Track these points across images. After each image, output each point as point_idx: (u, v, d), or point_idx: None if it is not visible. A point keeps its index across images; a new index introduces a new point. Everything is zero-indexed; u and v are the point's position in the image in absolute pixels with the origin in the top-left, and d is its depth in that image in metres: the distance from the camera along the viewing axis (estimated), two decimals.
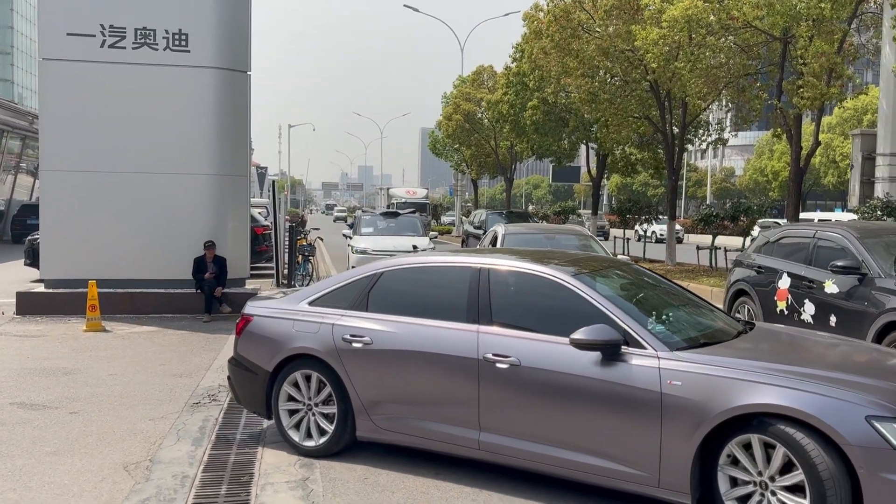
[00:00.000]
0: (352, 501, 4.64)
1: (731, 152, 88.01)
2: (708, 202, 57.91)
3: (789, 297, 8.64)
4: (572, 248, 10.70)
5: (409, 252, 15.06)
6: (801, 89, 15.11)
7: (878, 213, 14.14)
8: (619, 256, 11.36)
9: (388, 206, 34.39)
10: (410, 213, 20.41)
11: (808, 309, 8.28)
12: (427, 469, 5.22)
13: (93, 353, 8.87)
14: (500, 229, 11.12)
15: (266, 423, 6.22)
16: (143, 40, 11.67)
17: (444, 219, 55.47)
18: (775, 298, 8.93)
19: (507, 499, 4.72)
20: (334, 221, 68.42)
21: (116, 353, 8.91)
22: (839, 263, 7.80)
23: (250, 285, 12.96)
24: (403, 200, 37.37)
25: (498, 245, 10.39)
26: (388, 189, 44.48)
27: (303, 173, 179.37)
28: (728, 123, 27.86)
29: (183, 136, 11.88)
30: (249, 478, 5.00)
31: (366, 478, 5.04)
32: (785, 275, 8.82)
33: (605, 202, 73.86)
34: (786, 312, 8.70)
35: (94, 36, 11.54)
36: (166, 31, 11.72)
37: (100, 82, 11.61)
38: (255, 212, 17.53)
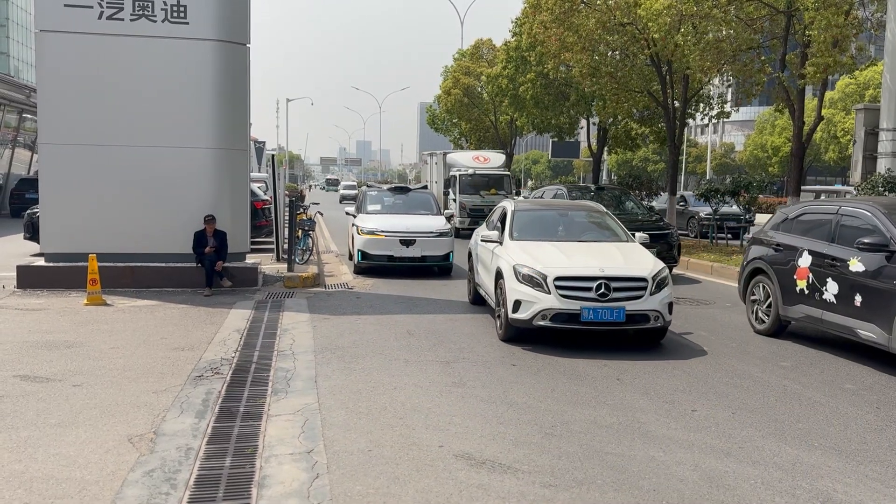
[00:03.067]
0: (355, 473, 4.66)
1: (731, 128, 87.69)
2: (708, 177, 57.73)
3: (810, 275, 8.42)
4: (588, 225, 10.12)
5: (425, 234, 14.28)
6: (809, 60, 14.95)
7: (880, 188, 14.08)
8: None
9: (448, 180, 24.89)
10: (421, 188, 18.12)
11: (831, 288, 8.09)
12: (431, 440, 5.25)
13: (94, 327, 8.87)
14: (508, 206, 10.39)
15: (270, 395, 6.25)
16: (140, 12, 11.54)
17: None
18: (795, 277, 8.69)
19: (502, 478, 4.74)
20: (341, 202, 48.81)
21: (118, 327, 8.91)
22: (866, 240, 7.61)
23: (250, 260, 12.94)
24: (470, 172, 23.91)
25: (507, 223, 9.71)
26: (443, 154, 27.51)
27: (301, 148, 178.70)
28: (729, 98, 27.69)
29: (182, 109, 11.80)
30: (254, 450, 5.02)
31: (369, 450, 5.06)
32: (805, 252, 8.58)
33: (605, 178, 73.69)
34: (806, 292, 8.50)
35: (91, 7, 11.41)
36: (164, 3, 11.58)
37: (98, 55, 11.50)
38: (254, 186, 17.45)
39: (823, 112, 23.42)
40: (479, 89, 41.06)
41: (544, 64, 26.82)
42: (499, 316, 8.77)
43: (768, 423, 5.86)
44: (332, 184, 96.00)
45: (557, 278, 8.07)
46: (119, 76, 11.58)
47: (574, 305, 7.95)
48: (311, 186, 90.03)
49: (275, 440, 5.21)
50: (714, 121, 28.04)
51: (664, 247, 13.90)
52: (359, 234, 14.39)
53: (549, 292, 8.04)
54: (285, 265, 13.70)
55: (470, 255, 11.32)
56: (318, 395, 6.32)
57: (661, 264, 8.59)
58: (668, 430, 5.63)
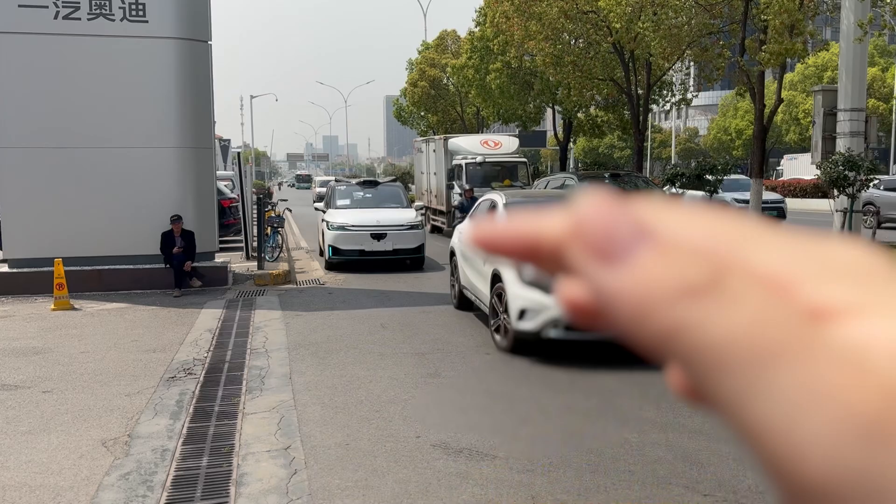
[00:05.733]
0: (333, 467, 4.67)
1: (694, 112, 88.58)
2: (673, 162, 58.37)
3: None
4: None
5: (395, 227, 14.26)
6: (765, 46, 15.22)
7: (840, 167, 14.36)
8: None
9: (451, 170, 20.71)
10: (391, 181, 17.55)
11: None
12: (408, 431, 5.27)
13: (63, 332, 8.75)
14: (497, 198, 9.58)
15: (244, 393, 6.22)
16: (98, 11, 11.36)
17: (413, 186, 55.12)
18: None
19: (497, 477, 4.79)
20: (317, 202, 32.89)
21: (87, 331, 8.80)
22: None
23: (220, 259, 12.83)
24: (479, 160, 19.98)
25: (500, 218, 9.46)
26: (444, 140, 22.33)
27: (267, 145, 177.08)
28: (691, 84, 28.03)
29: (145, 109, 11.66)
30: (230, 449, 5.00)
31: (347, 444, 5.08)
32: None
33: (571, 165, 74.16)
34: None
35: (46, 7, 11.20)
36: (122, 1, 11.40)
37: (56, 55, 11.31)
38: (220, 184, 17.28)
39: (784, 94, 23.81)
40: (446, 81, 41.04)
41: (508, 53, 26.89)
42: (498, 325, 7.83)
43: None
44: (304, 180, 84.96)
45: None
46: (79, 77, 11.39)
47: None
48: (280, 184, 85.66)
49: (251, 438, 5.20)
50: (677, 107, 28.35)
51: None
52: (329, 229, 14.29)
53: None
54: (255, 263, 13.62)
55: (452, 254, 10.45)
56: (293, 391, 6.31)
57: None
58: (642, 411, 5.72)
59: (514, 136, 24.57)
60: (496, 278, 7.91)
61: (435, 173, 22.72)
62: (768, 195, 21.93)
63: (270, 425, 5.46)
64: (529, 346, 7.39)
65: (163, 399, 6.11)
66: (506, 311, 7.52)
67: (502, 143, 21.61)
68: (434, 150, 22.97)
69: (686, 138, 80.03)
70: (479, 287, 8.69)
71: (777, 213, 22.25)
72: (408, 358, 7.44)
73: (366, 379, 6.68)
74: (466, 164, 19.82)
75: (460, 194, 19.16)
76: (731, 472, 4.53)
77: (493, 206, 9.47)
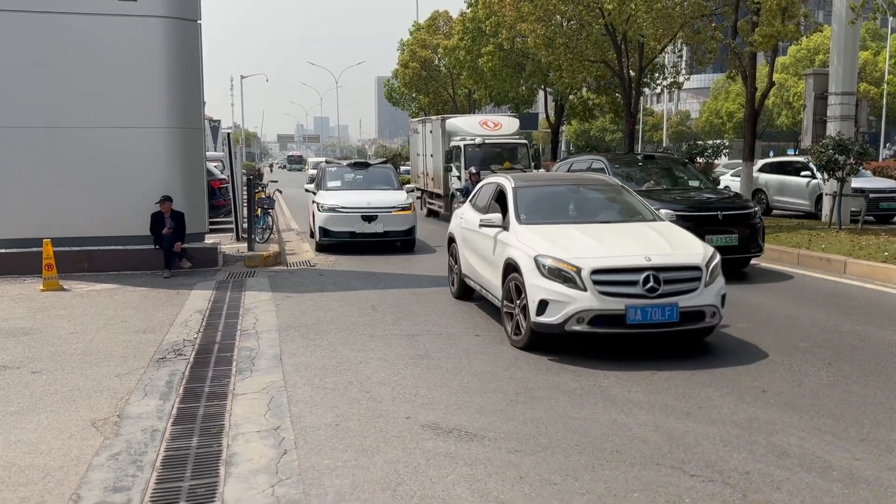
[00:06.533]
0: (323, 447, 4.69)
1: (686, 95, 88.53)
2: (664, 145, 58.35)
3: None
4: (604, 202, 8.51)
5: (386, 209, 14.15)
6: (757, 28, 15.20)
7: (830, 151, 14.40)
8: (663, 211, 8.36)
9: (449, 152, 20.02)
10: (381, 163, 17.41)
11: None
12: (398, 412, 5.30)
13: (52, 313, 8.73)
14: (505, 182, 8.60)
15: (234, 374, 6.23)
16: None
17: (404, 168, 54.89)
18: None
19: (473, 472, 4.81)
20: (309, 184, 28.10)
21: (76, 312, 8.77)
22: None
23: (209, 240, 12.79)
24: (478, 141, 19.06)
25: (510, 204, 8.06)
26: (441, 120, 21.39)
27: (257, 126, 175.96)
28: (683, 66, 27.99)
29: (134, 88, 11.56)
30: (220, 429, 5.01)
31: (336, 424, 5.09)
32: None
33: (563, 148, 74.06)
34: None
35: None
36: None
37: (43, 34, 11.17)
38: (210, 165, 17.19)
39: (775, 77, 23.79)
40: (437, 62, 40.84)
41: (500, 34, 26.76)
42: (513, 318, 7.25)
43: (726, 383, 6.02)
44: (296, 161, 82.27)
45: (595, 271, 6.53)
46: (66, 56, 11.28)
47: (617, 305, 6.45)
48: (271, 165, 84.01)
49: (241, 419, 5.21)
50: (669, 90, 28.33)
51: (746, 232, 10.96)
52: (319, 210, 14.29)
53: (585, 289, 6.50)
54: (245, 245, 13.58)
55: (451, 241, 9.83)
56: (283, 372, 6.32)
57: (710, 248, 7.17)
58: (629, 393, 5.76)
59: (514, 116, 23.66)
60: (510, 268, 7.30)
61: (432, 155, 22.07)
62: (881, 182, 18.59)
63: (260, 406, 5.47)
64: (549, 342, 6.92)
65: (153, 380, 6.11)
66: (522, 303, 6.96)
67: (502, 124, 20.89)
68: (431, 131, 22.21)
69: (678, 121, 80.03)
70: (487, 276, 8.16)
71: None
72: (398, 339, 7.46)
73: (356, 360, 6.69)
74: (465, 145, 19.13)
75: (459, 177, 18.67)
76: (717, 454, 4.57)
77: (500, 191, 8.72)
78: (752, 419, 5.18)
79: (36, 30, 11.16)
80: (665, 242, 7.12)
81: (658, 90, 28.80)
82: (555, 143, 32.88)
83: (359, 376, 6.20)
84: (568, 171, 13.52)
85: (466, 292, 9.32)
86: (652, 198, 10.47)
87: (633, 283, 6.49)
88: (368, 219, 14.05)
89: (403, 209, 14.36)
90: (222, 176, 18.51)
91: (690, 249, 7.02)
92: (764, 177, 20.01)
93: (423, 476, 4.26)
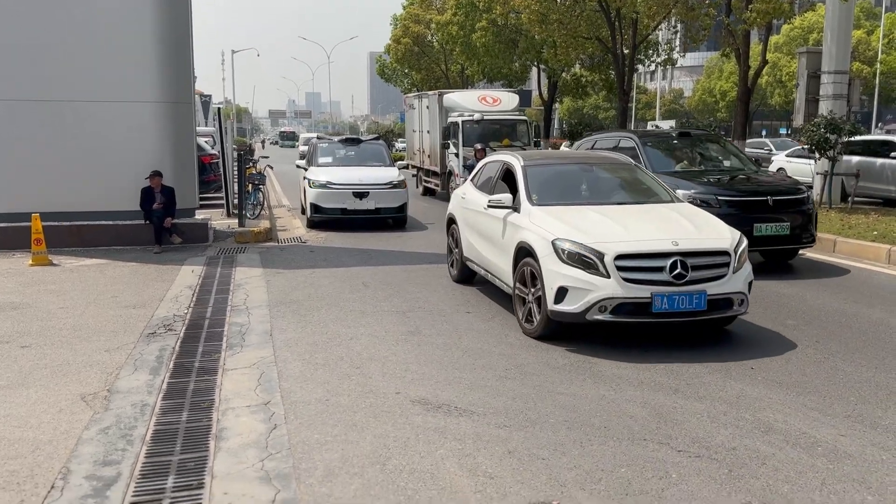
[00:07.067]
0: (313, 422, 4.70)
1: (679, 74, 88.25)
2: (657, 123, 58.23)
3: None
4: (619, 182, 8.12)
5: (378, 186, 14.09)
6: (752, 4, 15.13)
7: (822, 130, 14.40)
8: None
9: (446, 128, 19.32)
10: (373, 139, 17.21)
11: None
12: (388, 387, 5.32)
13: (41, 287, 8.69)
14: (513, 160, 8.12)
15: (225, 349, 6.23)
16: None
17: (398, 145, 54.64)
18: None
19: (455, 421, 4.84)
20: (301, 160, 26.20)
21: (66, 287, 8.74)
22: None
23: (200, 215, 12.74)
24: (476, 118, 18.37)
25: (520, 183, 7.61)
26: (438, 95, 20.80)
27: (248, 101, 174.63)
28: (677, 43, 27.87)
29: (122, 61, 11.44)
30: (210, 404, 5.02)
31: (327, 399, 5.11)
32: None
33: (555, 126, 73.87)
34: None
35: None
36: None
37: (29, 5, 11.02)
38: (201, 141, 17.08)
39: (769, 56, 23.74)
40: (430, 37, 40.55)
41: (494, 10, 26.57)
42: (525, 305, 6.88)
43: (714, 360, 6.06)
44: (289, 137, 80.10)
45: (619, 256, 6.17)
46: (54, 28, 11.13)
47: (643, 292, 6.10)
48: (263, 141, 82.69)
49: (231, 393, 5.21)
50: (662, 67, 28.24)
51: (798, 219, 9.81)
52: (311, 187, 14.24)
53: (608, 276, 6.13)
54: (236, 220, 13.53)
55: (451, 222, 9.39)
56: (273, 348, 6.33)
57: (737, 232, 6.81)
58: (618, 369, 5.79)
59: (514, 92, 22.94)
60: (523, 252, 6.91)
61: (428, 131, 21.46)
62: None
63: (251, 381, 5.48)
64: (566, 331, 6.57)
65: (143, 355, 6.11)
66: (537, 290, 6.61)
67: (501, 100, 20.30)
68: (427, 107, 21.60)
69: (671, 99, 79.85)
70: (494, 260, 7.76)
71: None
72: (389, 316, 7.46)
73: (346, 336, 6.70)
74: (463, 121, 18.45)
75: (457, 154, 18.07)
76: (704, 430, 4.61)
77: (506, 170, 8.26)
78: (740, 396, 5.22)
79: (22, 1, 11.00)
80: (690, 225, 6.74)
81: (652, 68, 28.71)
82: (548, 121, 32.81)
83: (349, 352, 6.21)
84: (591, 148, 12.12)
85: (467, 276, 8.95)
86: (689, 179, 9.91)
87: (659, 270, 6.15)
88: (360, 195, 14.00)
89: (395, 186, 14.30)
90: (213, 151, 18.38)
91: (718, 233, 6.67)
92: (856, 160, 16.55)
93: (413, 451, 4.29)
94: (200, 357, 6.07)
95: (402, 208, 14.38)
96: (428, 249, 11.73)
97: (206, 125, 46.86)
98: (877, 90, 50.14)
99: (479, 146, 15.72)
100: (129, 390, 5.27)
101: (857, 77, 21.55)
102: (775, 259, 10.32)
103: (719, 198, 9.19)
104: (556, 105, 37.80)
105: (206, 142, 19.36)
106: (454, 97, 20.42)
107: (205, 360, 6.00)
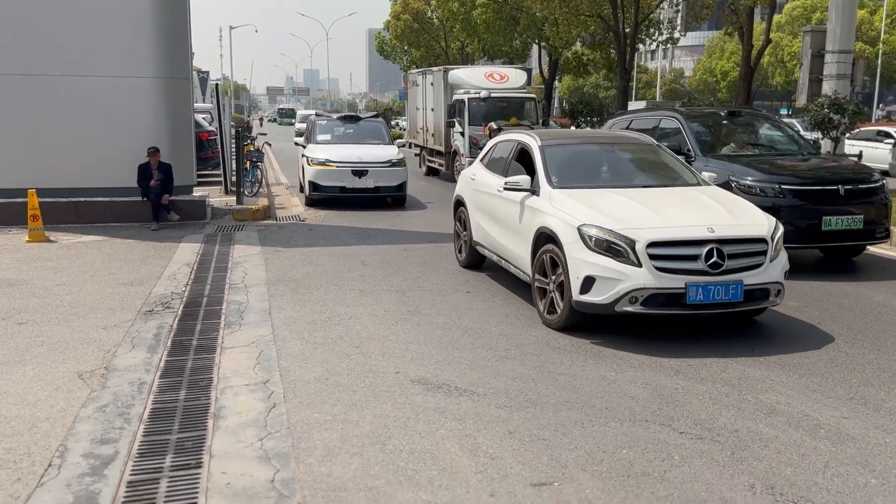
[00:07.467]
0: (312, 401, 4.67)
1: (680, 53, 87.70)
2: (657, 103, 57.94)
3: None
4: (641, 163, 7.68)
5: (377, 164, 13.97)
6: None
7: (825, 110, 14.31)
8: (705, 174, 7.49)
9: (451, 106, 18.63)
10: (372, 117, 16.92)
11: None
12: (388, 367, 5.28)
13: (38, 264, 8.63)
14: (529, 140, 7.65)
15: (223, 327, 6.18)
16: None
17: (402, 123, 54.25)
18: None
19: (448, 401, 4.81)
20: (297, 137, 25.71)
21: (63, 264, 8.68)
22: None
23: (198, 193, 12.65)
24: (483, 95, 17.87)
25: (538, 165, 7.17)
26: (443, 71, 20.18)
27: (246, 78, 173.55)
28: (679, 22, 27.64)
29: (120, 36, 11.30)
30: (208, 382, 4.98)
31: (326, 378, 5.07)
32: None
33: (556, 105, 73.56)
34: None
35: None
36: None
37: None
38: (198, 117, 16.94)
39: (771, 35, 23.53)
40: (430, 14, 40.19)
41: None
42: (546, 295, 6.47)
43: (716, 341, 6.03)
44: (287, 115, 78.46)
45: (652, 244, 5.79)
46: (50, 3, 10.97)
47: (677, 283, 5.74)
48: (261, 119, 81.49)
49: (230, 372, 5.17)
50: (664, 46, 28.03)
51: (872, 211, 8.64)
52: (309, 164, 14.14)
53: (640, 264, 5.76)
54: (234, 198, 13.44)
55: (459, 204, 8.96)
56: (272, 326, 6.28)
57: (772, 217, 6.43)
58: (619, 350, 5.75)
59: (522, 69, 22.30)
60: (545, 238, 6.52)
61: (432, 109, 20.74)
62: None
63: (249, 359, 5.44)
64: (590, 323, 6.23)
65: (140, 332, 6.06)
66: (559, 278, 6.23)
67: (509, 77, 19.62)
68: (432, 84, 20.89)
69: (671, 79, 79.38)
70: (509, 246, 7.35)
71: None
72: (388, 295, 7.42)
73: (345, 315, 6.65)
74: (469, 99, 17.92)
75: (462, 133, 17.60)
76: (706, 412, 4.58)
77: (521, 150, 7.85)
78: (742, 377, 5.19)
79: None
80: (724, 211, 6.35)
81: (653, 47, 28.48)
82: (548, 100, 32.59)
83: (349, 331, 6.17)
84: (627, 127, 11.02)
85: (477, 262, 8.60)
86: (746, 165, 8.84)
87: (694, 258, 5.78)
88: (359, 173, 13.90)
89: (395, 164, 14.19)
90: (211, 128, 18.25)
91: (754, 219, 6.29)
92: None
93: (413, 430, 4.25)
94: (198, 335, 6.02)
95: (402, 187, 14.29)
96: (427, 229, 11.66)
97: (204, 102, 46.47)
98: (879, 71, 49.85)
99: (494, 125, 15.23)
100: (127, 368, 5.22)
101: (860, 57, 21.40)
102: (839, 257, 9.23)
103: (783, 186, 8.17)
104: (556, 84, 37.53)
105: (203, 118, 19.20)
106: (460, 73, 19.81)
107: (203, 338, 5.95)
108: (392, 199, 14.43)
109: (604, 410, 4.58)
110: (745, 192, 8.01)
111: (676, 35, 27.02)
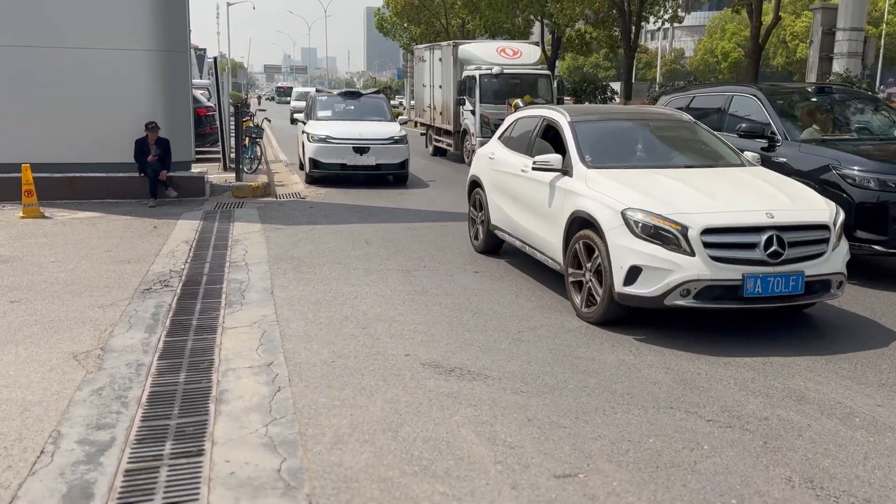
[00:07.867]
0: (319, 385, 4.45)
1: (681, 33, 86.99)
2: (659, 83, 57.54)
3: None
4: (679, 141, 7.09)
5: (379, 141, 13.66)
6: None
7: None
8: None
9: (461, 83, 17.74)
10: (374, 93, 16.40)
11: None
12: (397, 349, 5.06)
13: (32, 240, 8.37)
14: (558, 116, 7.03)
15: (224, 307, 5.95)
16: None
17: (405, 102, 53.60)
18: None
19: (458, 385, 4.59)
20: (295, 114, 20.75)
21: (58, 240, 8.42)
22: None
23: (196, 169, 12.37)
24: (495, 71, 16.89)
25: (569, 143, 6.57)
26: (453, 46, 19.15)
27: (244, 55, 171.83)
28: (682, 1, 27.28)
29: (117, 8, 10.98)
30: (209, 364, 4.75)
31: (332, 361, 4.85)
32: None
33: (556, 84, 72.98)
34: None
35: None
36: None
37: None
38: (196, 93, 16.59)
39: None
40: None
41: None
42: (583, 286, 5.93)
43: (736, 325, 5.81)
44: (286, 93, 74.61)
45: (706, 230, 5.23)
46: None
47: (733, 274, 5.20)
48: (259, 97, 79.95)
49: (232, 353, 4.95)
50: (666, 25, 27.66)
51: None
52: (310, 141, 13.81)
53: (693, 253, 5.21)
54: (233, 174, 13.15)
55: (475, 185, 8.37)
56: (275, 306, 6.05)
57: (832, 202, 5.92)
58: (635, 332, 5.53)
59: (536, 44, 21.49)
60: (580, 223, 5.95)
61: (440, 86, 19.68)
62: None
63: (252, 340, 5.21)
64: (633, 317, 5.72)
65: (138, 311, 5.83)
66: (596, 267, 5.72)
67: (522, 52, 18.50)
68: (440, 59, 19.81)
69: (672, 59, 78.79)
70: (536, 231, 6.78)
71: None
72: (393, 274, 7.18)
73: (351, 295, 6.42)
74: (481, 75, 16.86)
75: (473, 111, 16.90)
76: (733, 398, 4.37)
77: (547, 126, 7.20)
78: (766, 362, 4.98)
79: None
80: (780, 194, 5.76)
81: (655, 26, 28.04)
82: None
83: (355, 311, 5.94)
84: (687, 106, 9.76)
85: (494, 247, 8.10)
86: (854, 153, 7.53)
87: (752, 247, 5.24)
88: (360, 150, 13.61)
89: (396, 141, 13.90)
90: (209, 103, 17.90)
91: (814, 204, 5.74)
92: None
93: (426, 417, 4.04)
94: (198, 315, 5.79)
95: (404, 165, 14.01)
96: (431, 207, 11.42)
97: (202, 78, 45.85)
98: (882, 51, 49.42)
99: (520, 103, 14.32)
100: (124, 349, 4.99)
101: (868, 36, 21.04)
102: None
103: None
104: (557, 62, 37.09)
105: (201, 94, 18.84)
106: (470, 48, 18.71)
107: (203, 317, 5.72)
108: (394, 177, 14.16)
109: (626, 396, 4.36)
110: (854, 184, 7.10)
111: (680, 13, 26.66)
